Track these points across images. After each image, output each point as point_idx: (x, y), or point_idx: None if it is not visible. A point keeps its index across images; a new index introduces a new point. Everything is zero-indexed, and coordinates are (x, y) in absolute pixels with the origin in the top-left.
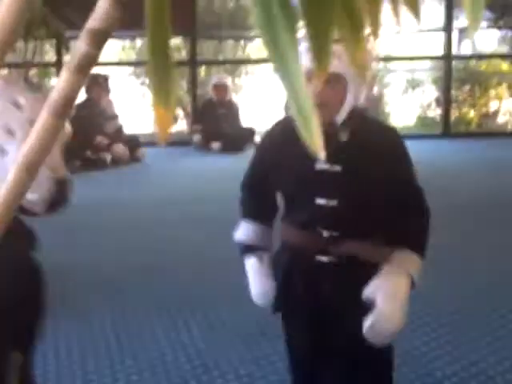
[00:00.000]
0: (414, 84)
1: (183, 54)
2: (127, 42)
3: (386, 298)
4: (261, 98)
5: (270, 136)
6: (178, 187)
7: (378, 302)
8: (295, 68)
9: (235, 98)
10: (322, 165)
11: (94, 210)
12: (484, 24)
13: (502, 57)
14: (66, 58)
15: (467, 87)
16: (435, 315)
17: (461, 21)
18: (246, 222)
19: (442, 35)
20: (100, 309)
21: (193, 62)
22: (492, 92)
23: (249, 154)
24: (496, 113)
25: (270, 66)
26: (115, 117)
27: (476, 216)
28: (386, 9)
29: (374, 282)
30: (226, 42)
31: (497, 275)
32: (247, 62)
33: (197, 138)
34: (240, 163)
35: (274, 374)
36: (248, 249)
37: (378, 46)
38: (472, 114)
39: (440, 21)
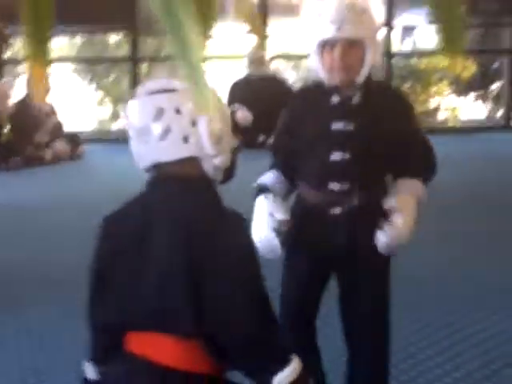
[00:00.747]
0: None
1: (125, 51)
2: (67, 39)
3: (400, 215)
4: None
5: (292, 103)
6: (118, 184)
7: (393, 218)
8: (189, 37)
9: None
10: (337, 125)
11: (35, 208)
12: (425, 21)
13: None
14: (7, 54)
15: (408, 84)
16: None
17: (403, 18)
18: (270, 170)
19: (383, 32)
20: (38, 306)
21: (134, 59)
22: (433, 89)
23: None
24: (436, 109)
25: (212, 61)
26: (53, 113)
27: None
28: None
29: (390, 200)
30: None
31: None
32: None
33: None
34: None
35: None
36: (261, 191)
37: None
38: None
39: (381, 18)
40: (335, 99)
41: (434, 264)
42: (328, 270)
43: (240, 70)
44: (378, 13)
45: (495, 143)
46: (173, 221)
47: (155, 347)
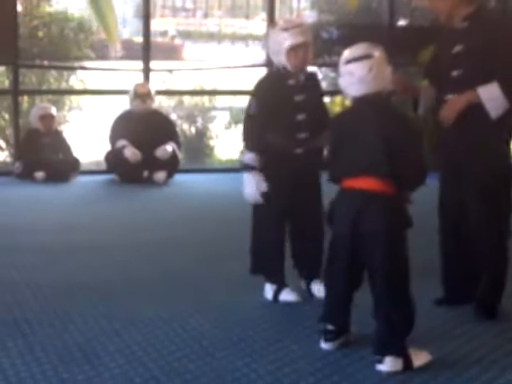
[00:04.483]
0: (237, 119)
1: (6, 83)
2: None
3: None
4: (85, 129)
5: (264, 84)
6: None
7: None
8: None
9: (60, 128)
10: (298, 97)
11: None
12: None
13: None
14: None
15: None
16: None
17: None
18: (252, 153)
19: (264, 71)
20: None
21: (15, 92)
22: None
23: (73, 183)
24: None
25: (93, 97)
26: None
27: None
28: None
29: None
30: (49, 72)
31: None
32: (71, 92)
33: (18, 168)
34: (64, 192)
35: None
36: (249, 168)
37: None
38: None
39: (262, 56)
40: (291, 81)
41: None
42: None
43: (123, 105)
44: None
45: None
46: (378, 118)
47: (363, 182)
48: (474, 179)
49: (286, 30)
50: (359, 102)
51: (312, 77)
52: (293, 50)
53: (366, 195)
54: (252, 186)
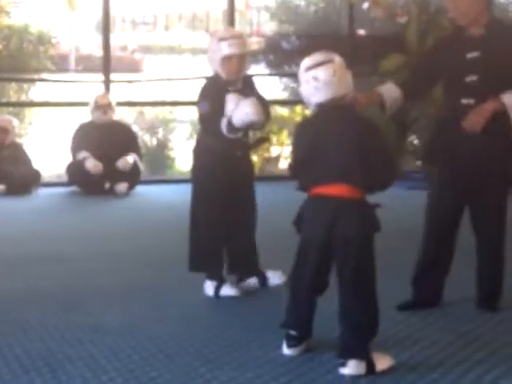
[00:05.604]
0: (197, 129)
1: None
2: None
3: None
4: (46, 142)
5: (211, 87)
6: None
7: None
8: None
9: (20, 140)
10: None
11: None
12: (266, 71)
13: (282, 103)
14: None
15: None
16: None
17: None
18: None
19: None
20: None
21: None
22: (273, 138)
23: (34, 195)
24: (278, 158)
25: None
26: None
27: None
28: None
29: None
30: (9, 84)
31: None
32: (31, 104)
33: None
34: (25, 205)
35: None
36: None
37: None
38: (255, 158)
39: None
40: (230, 87)
41: None
42: None
43: (84, 117)
44: None
45: None
46: (347, 124)
47: (336, 189)
48: (497, 186)
49: (222, 39)
50: (325, 108)
51: (248, 81)
52: (227, 60)
53: (341, 201)
54: (239, 105)
